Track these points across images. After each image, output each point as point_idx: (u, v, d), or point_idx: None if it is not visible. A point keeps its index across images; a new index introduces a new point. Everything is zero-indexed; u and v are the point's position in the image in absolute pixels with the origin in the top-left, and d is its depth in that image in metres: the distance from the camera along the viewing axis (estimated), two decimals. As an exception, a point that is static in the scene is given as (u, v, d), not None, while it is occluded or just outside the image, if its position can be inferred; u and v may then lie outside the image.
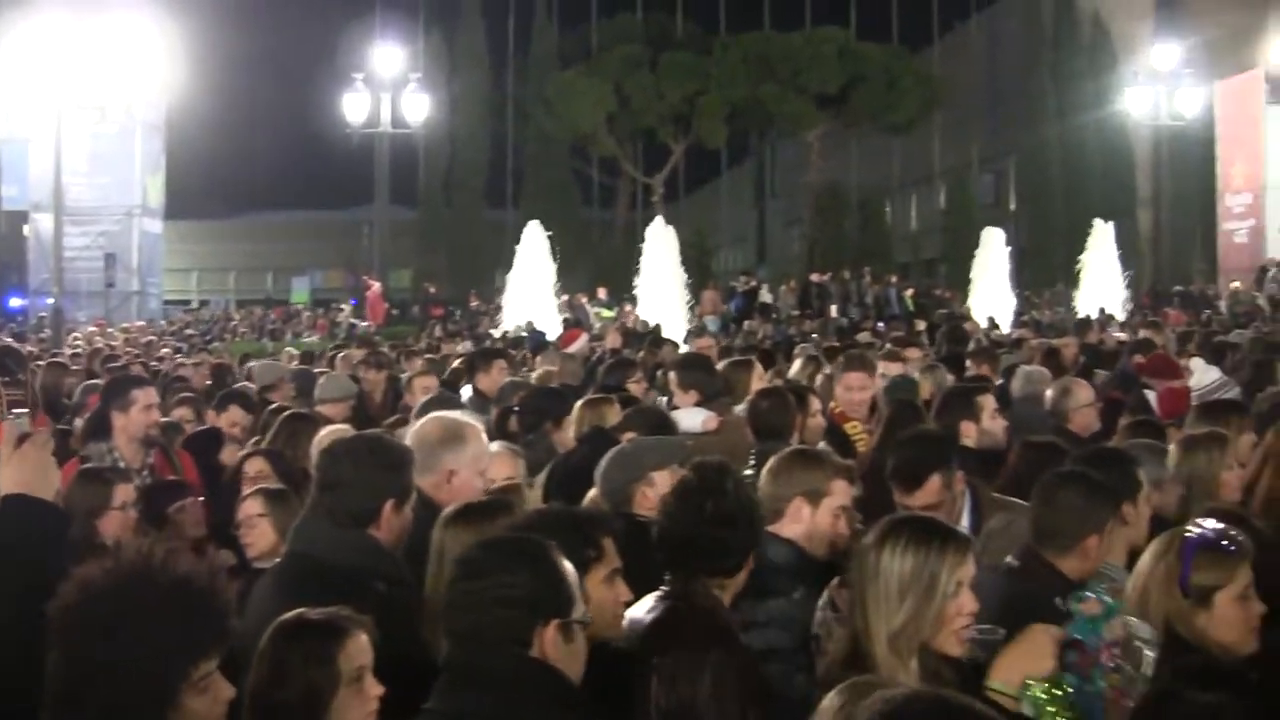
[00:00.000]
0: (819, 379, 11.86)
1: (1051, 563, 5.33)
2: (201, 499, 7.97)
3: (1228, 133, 51.54)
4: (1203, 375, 12.53)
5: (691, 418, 9.30)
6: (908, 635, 4.20)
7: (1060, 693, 3.99)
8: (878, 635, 4.20)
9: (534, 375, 14.13)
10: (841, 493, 5.83)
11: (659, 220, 38.76)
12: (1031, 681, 4.02)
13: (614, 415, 8.88)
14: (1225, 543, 4.64)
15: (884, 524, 4.47)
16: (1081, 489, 5.48)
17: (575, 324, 31.04)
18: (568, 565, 4.03)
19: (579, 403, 9.52)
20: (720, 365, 11.49)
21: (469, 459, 6.02)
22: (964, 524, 6.45)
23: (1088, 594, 4.22)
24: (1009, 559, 5.51)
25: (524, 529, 4.59)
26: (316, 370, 15.63)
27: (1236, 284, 44.90)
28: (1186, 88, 50.74)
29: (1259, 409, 9.19)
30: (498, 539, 4.26)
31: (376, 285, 46.99)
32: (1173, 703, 3.55)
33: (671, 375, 10.91)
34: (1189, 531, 4.72)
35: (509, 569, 3.91)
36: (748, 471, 6.79)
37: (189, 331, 40.61)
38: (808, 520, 5.68)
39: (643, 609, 4.80)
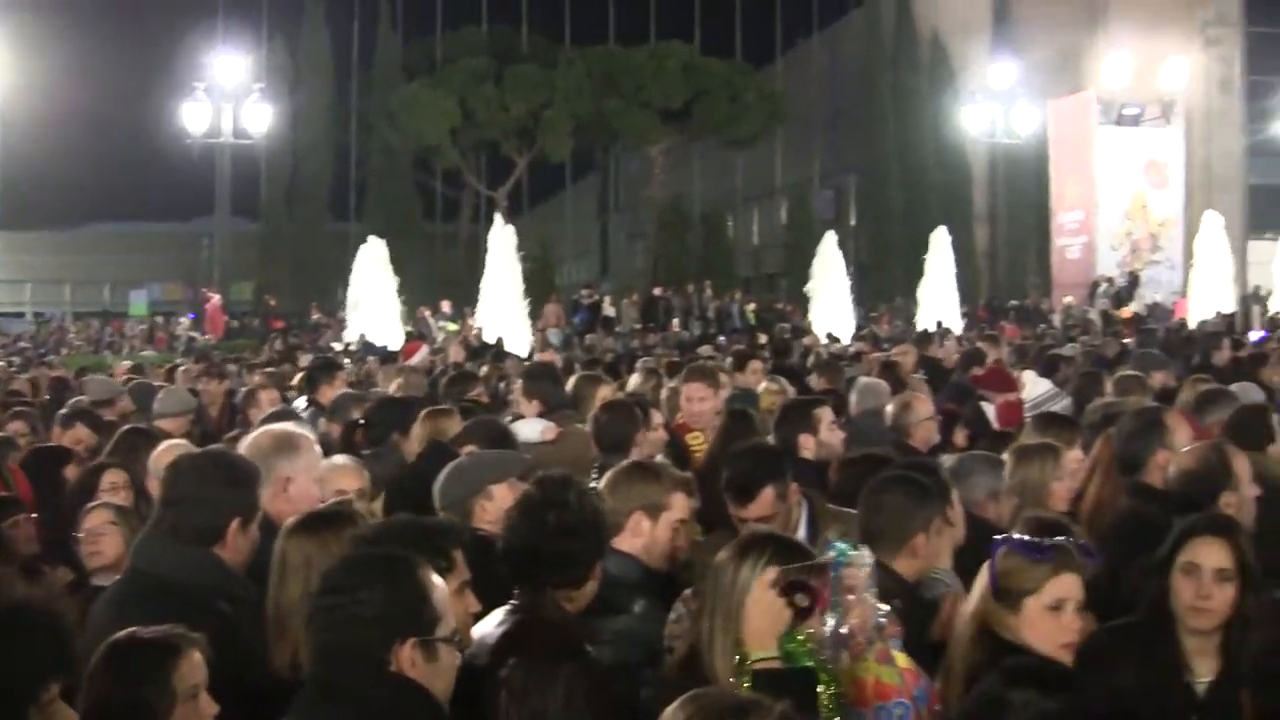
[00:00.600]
0: (663, 392, 11.91)
1: (884, 564, 5.45)
2: (34, 515, 7.74)
3: (1061, 151, 52.67)
4: (1034, 387, 12.84)
5: (530, 428, 9.33)
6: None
7: (804, 637, 4.10)
8: (723, 648, 4.20)
9: (389, 387, 14.09)
10: (680, 506, 5.88)
11: (502, 232, 38.65)
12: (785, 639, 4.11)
13: (454, 427, 8.88)
14: (1033, 550, 4.72)
15: (745, 538, 4.48)
16: (903, 490, 5.62)
17: (418, 337, 30.92)
18: (435, 581, 3.99)
19: (420, 415, 9.51)
20: (572, 379, 11.51)
21: (303, 467, 5.98)
22: (801, 535, 6.50)
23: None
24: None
25: (370, 540, 4.57)
26: (155, 384, 15.43)
27: (1069, 299, 45.93)
28: (1021, 107, 51.68)
29: (1089, 420, 9.40)
30: (360, 555, 4.19)
31: (216, 298, 46.47)
32: (996, 704, 3.62)
33: (516, 384, 10.93)
34: (1004, 537, 4.83)
35: (366, 585, 3.85)
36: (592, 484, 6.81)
37: (22, 344, 39.82)
38: (647, 534, 5.72)
39: (492, 623, 4.79)
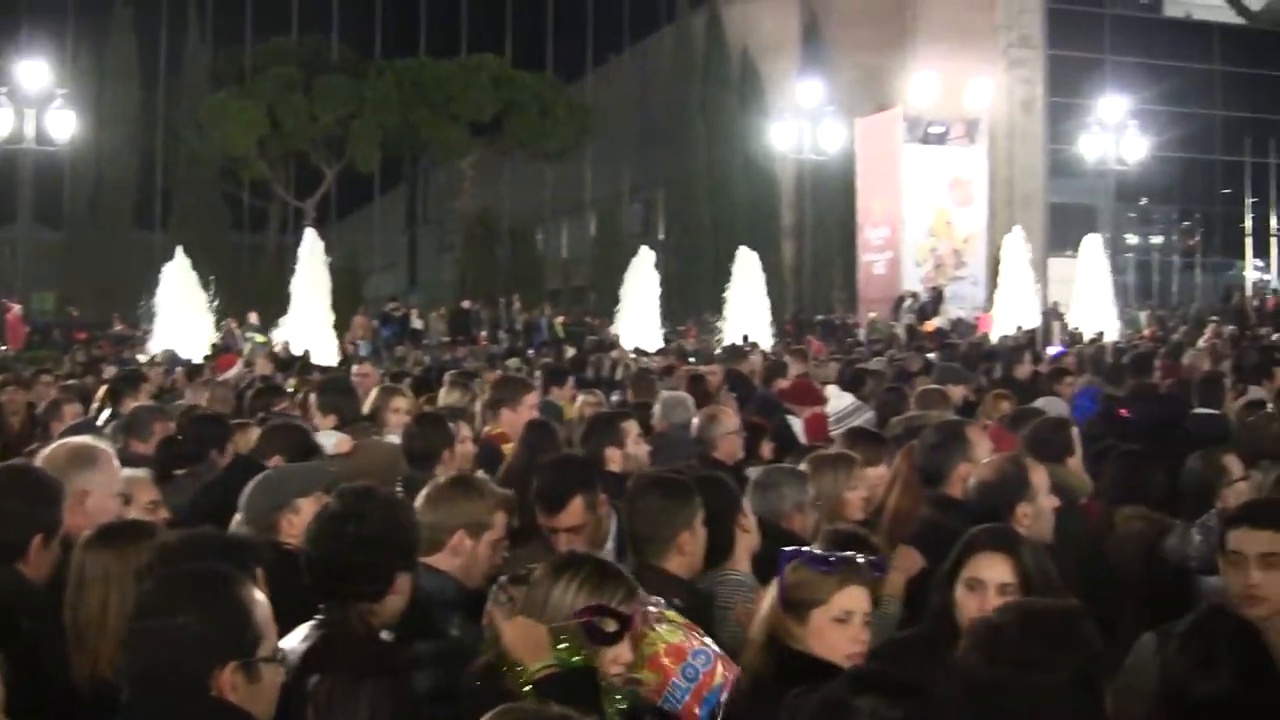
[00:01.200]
0: (476, 405, 11.88)
1: (657, 566, 5.55)
2: None
3: (868, 168, 53.45)
4: (837, 401, 13.02)
5: (324, 442, 9.27)
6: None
7: (568, 638, 4.13)
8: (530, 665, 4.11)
9: (197, 400, 13.90)
10: (501, 524, 5.88)
11: (311, 243, 38.30)
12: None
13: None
14: (820, 563, 4.78)
15: (562, 558, 4.50)
16: (658, 491, 5.76)
17: (225, 350, 30.53)
18: (257, 598, 3.89)
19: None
20: (372, 392, 11.43)
21: (101, 482, 5.90)
22: (609, 547, 6.57)
23: None
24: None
25: (170, 554, 4.50)
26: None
27: (874, 314, 46.59)
28: (829, 124, 52.33)
29: (892, 433, 9.56)
30: (177, 573, 4.02)
31: (17, 308, 45.26)
32: (842, 710, 3.67)
33: (312, 398, 10.86)
34: (792, 549, 4.90)
35: (184, 607, 3.73)
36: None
37: None
38: (468, 552, 5.68)
39: (296, 638, 4.70)
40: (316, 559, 4.94)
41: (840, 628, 4.71)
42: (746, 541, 6.07)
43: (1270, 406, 12.45)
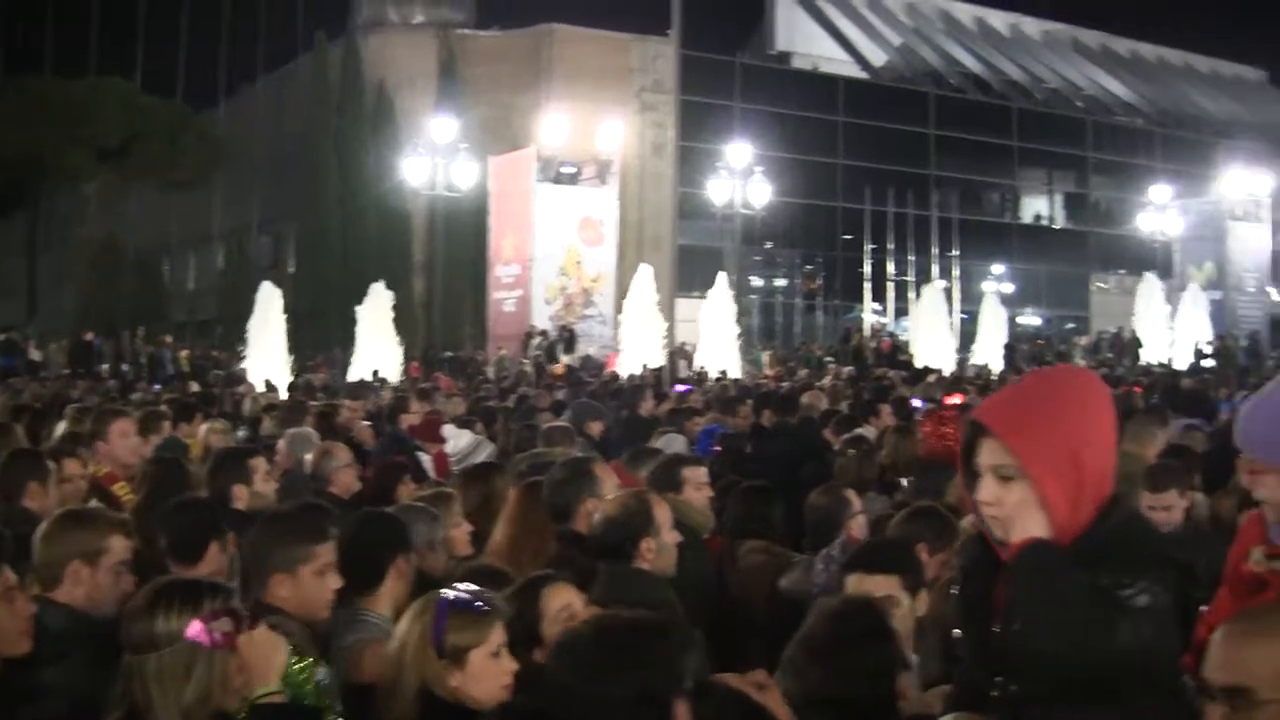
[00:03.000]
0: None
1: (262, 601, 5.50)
2: None
3: (500, 206, 53.75)
4: (457, 440, 13.05)
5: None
6: (204, 705, 4.04)
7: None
8: (164, 704, 4.01)
9: None
10: (120, 548, 5.71)
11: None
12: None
13: None
14: (479, 603, 4.79)
15: (150, 592, 4.29)
16: (266, 530, 5.78)
17: None
18: None
19: None
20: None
21: None
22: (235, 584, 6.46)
23: None
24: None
25: None
26: None
27: (504, 351, 46.76)
28: (463, 161, 52.37)
29: (516, 470, 9.61)
30: None
31: None
32: None
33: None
34: (444, 593, 4.87)
35: None
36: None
37: None
38: (88, 581, 5.55)
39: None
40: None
41: (496, 662, 4.72)
42: (397, 586, 6.00)
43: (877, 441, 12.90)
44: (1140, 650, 3.64)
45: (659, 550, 6.33)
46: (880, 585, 5.48)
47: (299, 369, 40.77)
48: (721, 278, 46.98)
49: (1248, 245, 69.67)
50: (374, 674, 5.10)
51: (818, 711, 4.40)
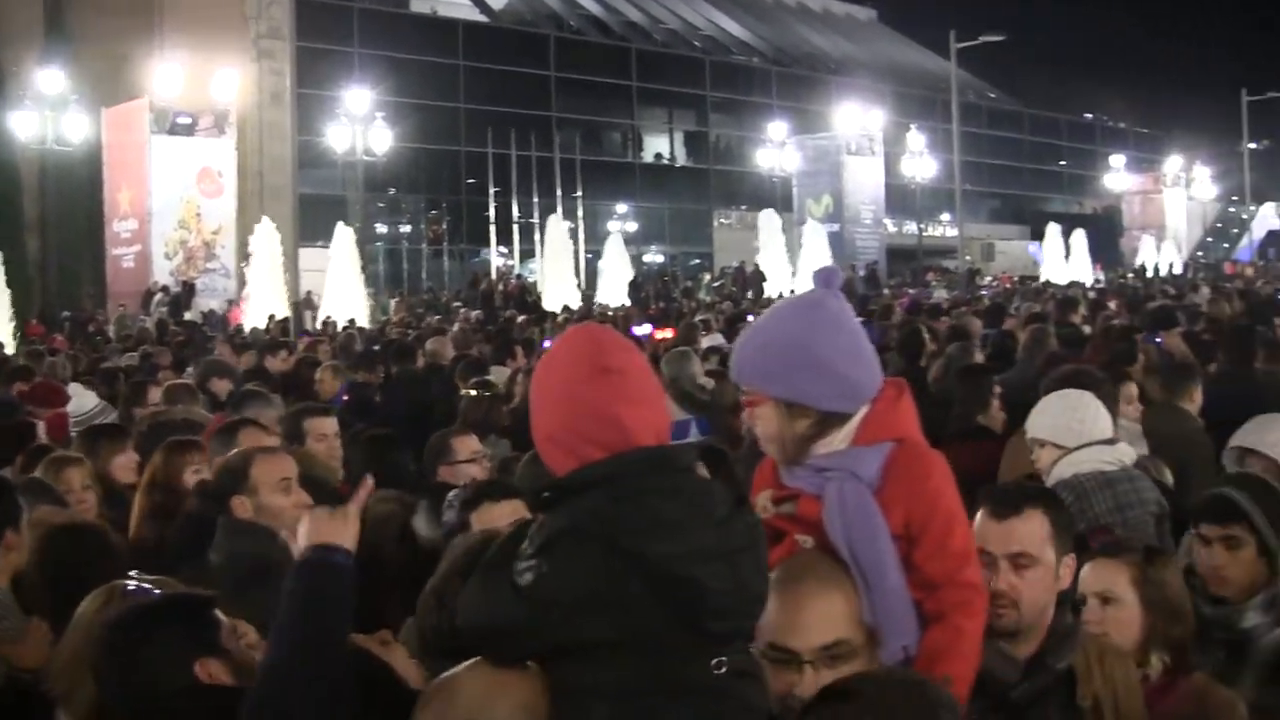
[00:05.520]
0: None
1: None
2: None
3: (115, 159, 52.26)
4: (80, 400, 12.82)
5: None
6: None
7: None
8: None
9: None
10: None
11: None
12: None
13: None
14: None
15: None
16: None
17: None
18: None
19: None
20: None
21: None
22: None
23: None
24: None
25: None
26: None
27: (124, 307, 45.63)
28: (74, 114, 50.73)
29: (139, 429, 9.58)
30: None
31: None
32: None
33: None
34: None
35: None
36: None
37: None
38: None
39: None
40: None
41: None
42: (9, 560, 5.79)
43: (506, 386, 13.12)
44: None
45: (256, 509, 6.20)
46: (505, 513, 5.38)
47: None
48: (345, 227, 46.65)
49: (862, 179, 72.36)
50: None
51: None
